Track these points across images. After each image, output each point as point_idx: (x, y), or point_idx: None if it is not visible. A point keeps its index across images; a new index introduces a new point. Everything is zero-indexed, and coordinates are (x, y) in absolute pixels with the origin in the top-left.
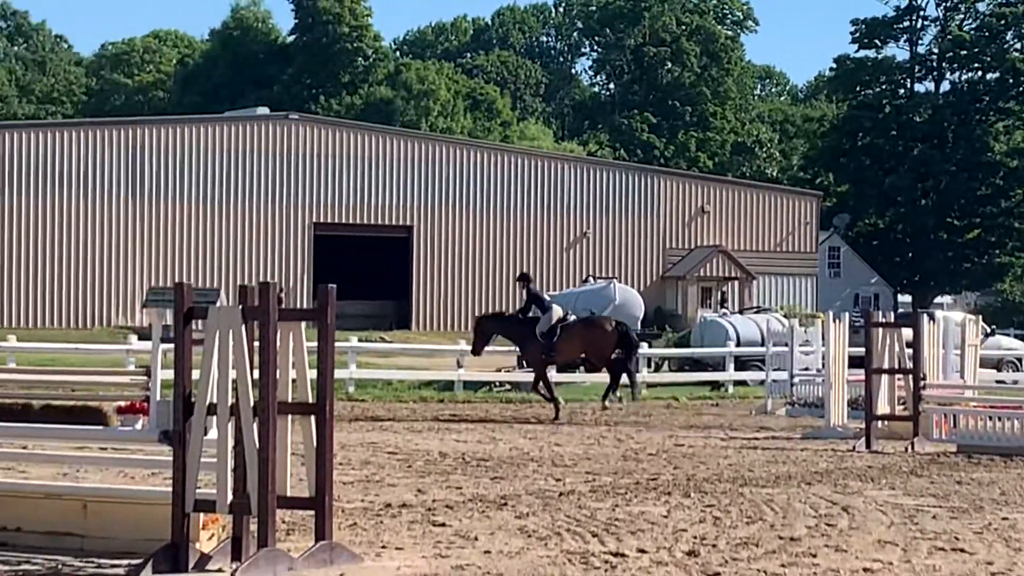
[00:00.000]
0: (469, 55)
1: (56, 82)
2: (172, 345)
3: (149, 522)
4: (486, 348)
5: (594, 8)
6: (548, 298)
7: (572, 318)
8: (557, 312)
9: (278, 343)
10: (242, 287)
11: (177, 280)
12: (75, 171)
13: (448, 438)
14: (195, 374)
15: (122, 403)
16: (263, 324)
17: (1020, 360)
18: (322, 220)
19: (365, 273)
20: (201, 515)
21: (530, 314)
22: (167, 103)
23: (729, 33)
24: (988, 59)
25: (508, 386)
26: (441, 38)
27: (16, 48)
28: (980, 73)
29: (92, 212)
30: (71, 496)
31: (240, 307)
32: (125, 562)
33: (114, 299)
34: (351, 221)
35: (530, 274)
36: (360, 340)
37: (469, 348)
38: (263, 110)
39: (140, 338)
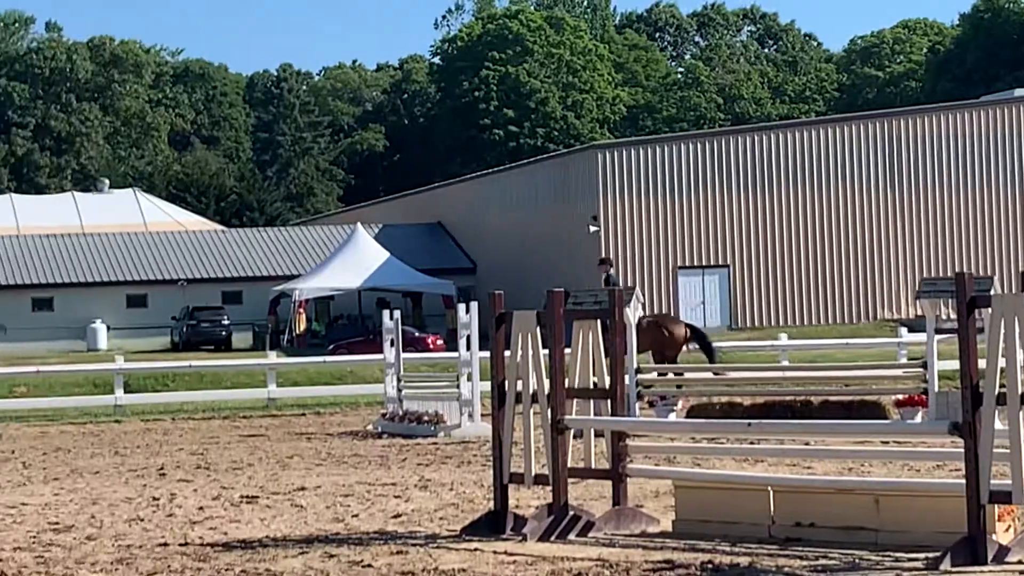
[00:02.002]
0: None
1: (807, 80)
2: (945, 336)
3: (941, 515)
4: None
5: None
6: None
7: (640, 314)
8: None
9: None
10: None
11: (946, 269)
12: (830, 167)
13: None
14: (981, 363)
15: (899, 396)
16: None
17: None
18: None
19: None
20: (996, 507)
21: None
22: (919, 92)
23: None
24: None
25: None
26: None
27: (767, 50)
28: None
29: (850, 207)
30: (862, 491)
31: None
32: (922, 555)
33: (879, 292)
34: None
35: (610, 258)
36: None
37: None
38: (1021, 92)
39: (910, 330)
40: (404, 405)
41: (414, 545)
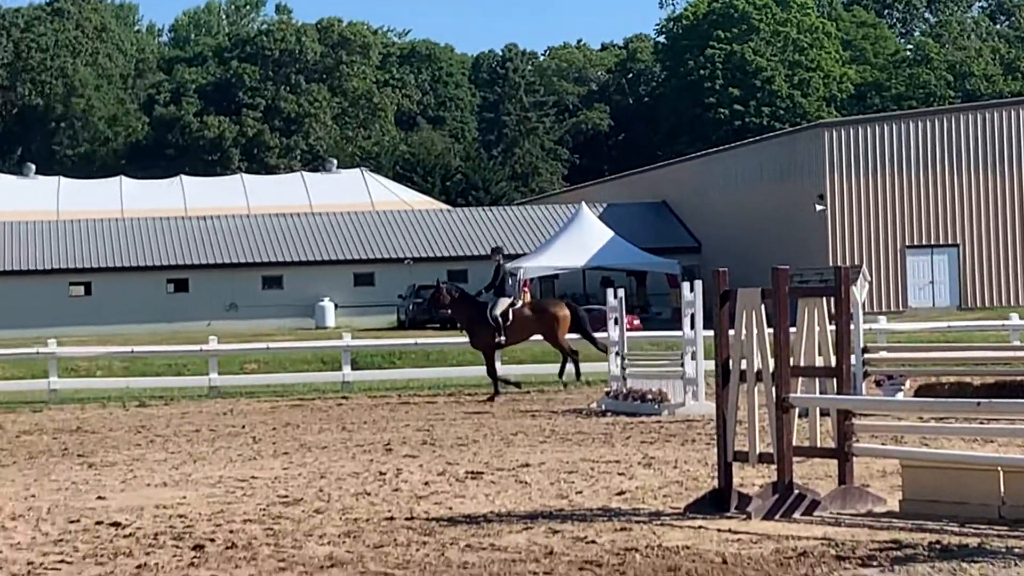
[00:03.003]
0: None
1: None
2: None
3: None
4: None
5: None
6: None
7: (520, 303)
8: (510, 297)
9: None
10: None
11: None
12: None
13: None
14: None
15: None
16: None
17: None
18: None
19: None
20: None
21: (482, 297)
22: None
23: None
24: None
25: None
26: None
27: (998, 26)
28: None
29: None
30: None
31: None
32: None
33: None
34: None
35: (503, 248)
36: None
37: None
38: None
39: None
40: (628, 383)
41: (638, 522)
